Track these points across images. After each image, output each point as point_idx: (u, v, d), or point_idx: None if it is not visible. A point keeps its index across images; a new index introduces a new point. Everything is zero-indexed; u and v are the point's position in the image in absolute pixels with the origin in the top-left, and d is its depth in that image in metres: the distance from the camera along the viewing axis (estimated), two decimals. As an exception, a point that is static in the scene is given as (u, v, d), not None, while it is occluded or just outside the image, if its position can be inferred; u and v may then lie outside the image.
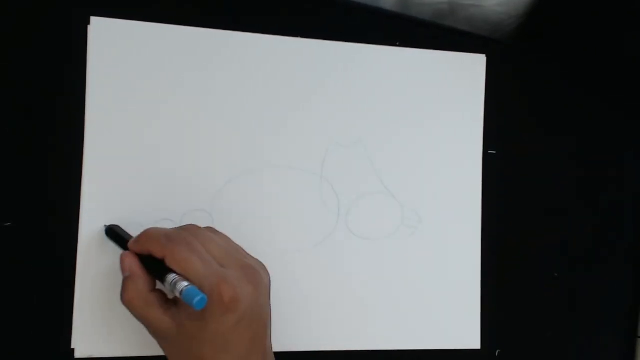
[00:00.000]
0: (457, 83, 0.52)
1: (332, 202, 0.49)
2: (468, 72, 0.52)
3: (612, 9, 0.54)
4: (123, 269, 0.40)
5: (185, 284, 0.36)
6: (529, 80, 0.55)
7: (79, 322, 0.44)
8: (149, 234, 0.40)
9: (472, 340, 0.51)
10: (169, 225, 0.45)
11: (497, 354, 0.52)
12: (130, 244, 0.41)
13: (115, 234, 0.44)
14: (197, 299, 0.34)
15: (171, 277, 0.37)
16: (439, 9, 0.58)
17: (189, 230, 0.41)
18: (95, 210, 0.45)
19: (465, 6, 0.57)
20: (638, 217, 0.56)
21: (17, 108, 0.45)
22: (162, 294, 0.40)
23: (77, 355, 0.44)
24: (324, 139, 0.49)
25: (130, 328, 0.45)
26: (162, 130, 0.46)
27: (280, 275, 0.48)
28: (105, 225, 0.45)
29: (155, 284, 0.40)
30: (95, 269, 0.45)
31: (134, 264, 0.40)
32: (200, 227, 0.42)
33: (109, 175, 0.45)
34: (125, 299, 0.39)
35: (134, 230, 0.43)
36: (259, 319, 0.39)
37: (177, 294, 0.36)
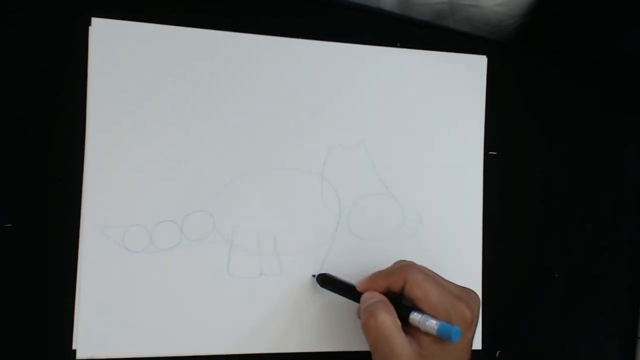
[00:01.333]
0: (458, 84, 0.52)
1: (333, 202, 0.49)
2: (469, 73, 0.52)
3: (612, 9, 0.54)
4: (369, 297, 0.42)
5: (435, 321, 0.38)
6: (529, 80, 0.55)
7: (81, 322, 0.44)
8: (377, 273, 0.43)
9: (472, 340, 0.51)
10: (170, 226, 0.45)
11: (497, 355, 0.52)
12: (364, 283, 0.43)
13: (331, 280, 0.46)
14: (454, 332, 0.37)
15: (416, 315, 0.39)
16: (439, 10, 0.58)
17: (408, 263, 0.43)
18: (97, 211, 0.45)
19: (465, 6, 0.57)
20: (638, 217, 0.56)
21: (18, 108, 0.45)
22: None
23: (78, 356, 0.44)
24: (325, 139, 0.49)
25: (131, 328, 0.45)
26: (163, 131, 0.46)
27: (281, 276, 0.48)
28: (314, 275, 0.48)
29: None
30: (97, 270, 0.45)
31: (380, 294, 0.42)
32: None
33: (110, 175, 0.45)
34: (380, 322, 0.39)
35: (134, 231, 0.43)
36: (471, 343, 0.42)
37: (430, 331, 0.38)
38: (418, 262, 0.50)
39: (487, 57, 0.53)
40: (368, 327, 0.40)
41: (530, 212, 0.54)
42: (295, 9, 0.50)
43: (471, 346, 0.42)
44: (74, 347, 0.44)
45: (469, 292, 0.43)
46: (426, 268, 0.43)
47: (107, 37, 0.45)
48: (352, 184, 0.49)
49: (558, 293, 0.54)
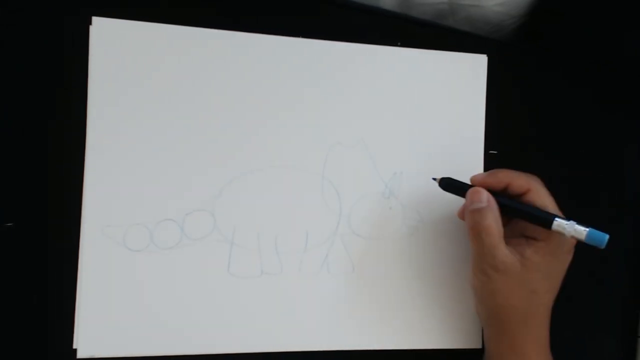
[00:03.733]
0: (458, 83, 0.52)
1: (333, 201, 0.49)
2: (469, 72, 0.52)
3: (612, 9, 0.54)
4: (479, 199, 0.42)
5: (584, 228, 0.40)
6: (529, 80, 0.55)
7: (81, 321, 0.44)
8: (505, 172, 0.44)
9: (472, 340, 0.51)
10: (171, 225, 0.45)
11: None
12: (483, 177, 0.44)
13: (452, 183, 0.46)
14: (604, 238, 0.39)
15: (561, 221, 0.41)
16: (439, 9, 0.58)
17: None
18: (97, 211, 0.45)
19: (466, 6, 0.57)
20: (638, 217, 0.56)
21: (19, 108, 0.45)
22: None
23: (79, 355, 0.44)
24: (326, 138, 0.49)
25: (131, 327, 0.45)
26: (164, 130, 0.46)
27: (282, 275, 0.48)
28: (436, 178, 0.47)
29: None
30: (97, 269, 0.45)
31: (490, 197, 0.42)
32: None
33: (111, 175, 0.45)
34: (485, 225, 0.41)
35: (135, 230, 0.43)
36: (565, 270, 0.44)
37: (579, 236, 0.40)
38: (418, 261, 0.50)
39: (487, 56, 0.53)
40: (472, 232, 0.42)
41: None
42: (296, 8, 0.50)
43: (563, 276, 0.44)
44: (74, 346, 0.44)
45: None
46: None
47: (107, 36, 0.46)
48: (352, 182, 0.49)
49: (558, 293, 0.54)
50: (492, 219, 0.41)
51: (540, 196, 0.42)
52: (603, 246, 0.39)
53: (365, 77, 0.50)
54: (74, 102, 0.45)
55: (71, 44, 0.45)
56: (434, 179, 0.47)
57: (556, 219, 0.41)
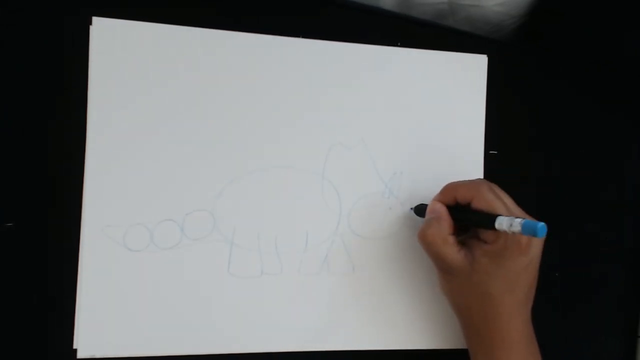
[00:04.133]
0: (458, 83, 0.52)
1: (333, 201, 0.49)
2: (469, 72, 0.52)
3: (612, 9, 0.54)
4: (429, 211, 0.45)
5: (519, 220, 0.39)
6: (529, 80, 0.55)
7: (81, 321, 0.44)
8: (451, 185, 0.45)
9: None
10: (171, 225, 0.45)
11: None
12: (435, 197, 0.46)
13: (422, 207, 0.48)
14: (539, 226, 0.38)
15: (500, 218, 0.40)
16: (439, 9, 0.58)
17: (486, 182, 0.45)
18: (97, 211, 0.45)
19: (466, 6, 0.57)
20: (638, 217, 0.56)
21: (19, 108, 0.45)
22: (454, 238, 0.44)
23: (79, 355, 0.44)
24: (326, 138, 0.49)
25: (131, 327, 0.45)
26: (164, 130, 0.46)
27: (281, 274, 0.48)
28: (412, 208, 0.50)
29: (453, 231, 0.44)
30: (98, 269, 0.45)
31: (442, 208, 0.44)
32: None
33: (111, 175, 0.45)
34: (428, 235, 0.43)
35: (135, 230, 0.43)
36: (536, 270, 0.43)
37: (515, 229, 0.39)
38: (418, 260, 0.50)
39: (488, 56, 0.53)
40: (421, 243, 0.45)
41: (530, 211, 0.54)
42: (296, 8, 0.50)
43: (530, 276, 0.43)
44: (74, 346, 0.44)
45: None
46: (497, 188, 0.44)
47: (107, 36, 0.45)
48: (352, 182, 0.49)
49: (558, 293, 0.54)
50: (436, 227, 0.43)
51: (487, 200, 0.42)
52: (542, 236, 0.38)
53: (365, 77, 0.50)
54: (74, 102, 0.45)
55: (71, 44, 0.45)
56: (411, 208, 0.50)
57: (498, 217, 0.41)
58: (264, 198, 0.48)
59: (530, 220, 0.39)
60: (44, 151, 0.45)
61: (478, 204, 0.43)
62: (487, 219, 0.41)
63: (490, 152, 0.52)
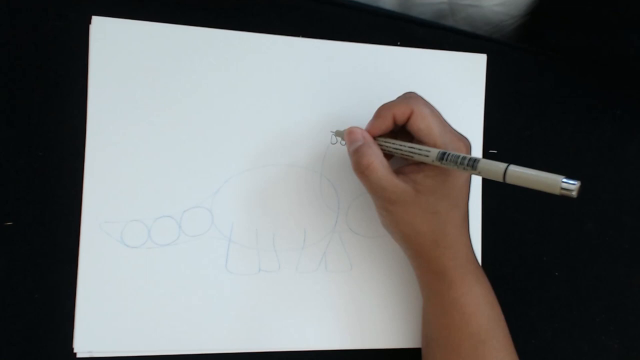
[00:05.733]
0: (457, 82, 0.52)
1: (332, 199, 0.49)
2: (468, 71, 0.52)
3: (613, 8, 0.53)
4: (354, 139, 0.42)
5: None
6: (529, 79, 0.55)
7: (81, 320, 0.45)
8: (382, 106, 0.42)
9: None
10: (169, 222, 0.46)
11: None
12: (369, 123, 0.43)
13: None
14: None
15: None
16: (439, 9, 0.58)
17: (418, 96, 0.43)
18: (97, 208, 0.45)
19: (466, 6, 0.57)
20: (638, 217, 0.56)
21: (19, 107, 0.45)
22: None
23: (79, 354, 0.45)
24: (324, 137, 0.49)
25: (129, 325, 0.45)
26: (163, 128, 0.46)
27: (280, 272, 0.48)
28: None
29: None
30: (96, 266, 0.45)
31: (366, 133, 0.42)
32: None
33: (110, 173, 0.45)
34: (364, 163, 0.40)
35: (132, 226, 0.44)
36: (470, 181, 0.43)
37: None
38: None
39: (487, 56, 0.53)
40: (357, 173, 0.42)
41: (530, 210, 0.54)
42: (296, 8, 0.50)
43: (468, 188, 0.43)
44: (74, 345, 0.45)
45: (464, 137, 0.43)
46: (429, 103, 0.43)
47: (107, 35, 0.46)
48: (350, 181, 0.49)
49: (558, 292, 0.54)
50: (372, 155, 0.41)
51: (424, 117, 0.41)
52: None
53: (365, 76, 0.50)
54: (74, 100, 0.45)
55: (71, 43, 0.45)
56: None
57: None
58: (262, 195, 0.48)
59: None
60: (43, 149, 0.45)
61: (416, 122, 0.41)
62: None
63: (490, 151, 0.52)
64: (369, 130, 0.43)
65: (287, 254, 0.48)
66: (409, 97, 0.42)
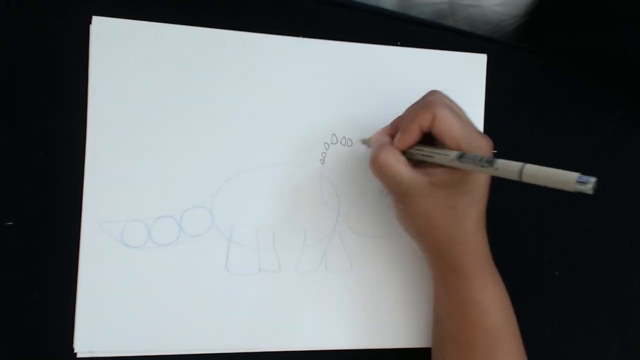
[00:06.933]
0: (457, 82, 0.52)
1: (332, 199, 0.49)
2: (468, 71, 0.52)
3: (612, 8, 0.53)
4: (375, 142, 0.44)
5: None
6: (529, 79, 0.55)
7: (81, 320, 0.45)
8: (404, 116, 0.43)
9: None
10: (169, 221, 0.46)
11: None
12: (398, 138, 0.43)
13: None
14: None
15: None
16: (439, 10, 0.58)
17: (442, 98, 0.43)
18: (97, 208, 0.45)
19: (466, 6, 0.57)
20: (638, 217, 0.56)
21: (19, 107, 0.45)
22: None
23: (79, 354, 0.45)
24: (325, 137, 0.49)
25: (132, 327, 0.45)
26: (163, 128, 0.46)
27: (280, 272, 0.48)
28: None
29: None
30: (96, 266, 0.45)
31: (384, 136, 0.44)
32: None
33: (110, 172, 0.45)
34: (381, 159, 0.41)
35: (133, 226, 0.44)
36: (489, 182, 0.43)
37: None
38: (416, 258, 0.50)
39: (487, 56, 0.53)
40: (375, 172, 0.42)
41: (530, 211, 0.54)
42: (295, 8, 0.50)
43: (488, 189, 0.43)
44: (74, 345, 0.45)
45: (486, 136, 0.43)
46: (450, 102, 0.43)
47: (107, 35, 0.46)
48: (351, 180, 0.49)
49: (558, 292, 0.54)
50: (387, 153, 0.42)
51: (445, 121, 0.41)
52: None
53: (365, 77, 0.50)
54: (74, 100, 0.45)
55: (71, 43, 0.45)
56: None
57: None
58: (262, 195, 0.48)
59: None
60: (43, 149, 0.45)
61: (438, 126, 0.41)
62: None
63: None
64: (397, 147, 0.43)
65: (287, 254, 0.48)
66: (430, 102, 0.42)
